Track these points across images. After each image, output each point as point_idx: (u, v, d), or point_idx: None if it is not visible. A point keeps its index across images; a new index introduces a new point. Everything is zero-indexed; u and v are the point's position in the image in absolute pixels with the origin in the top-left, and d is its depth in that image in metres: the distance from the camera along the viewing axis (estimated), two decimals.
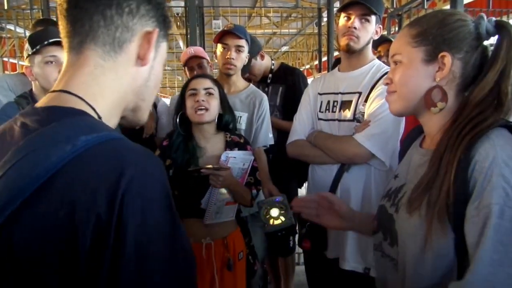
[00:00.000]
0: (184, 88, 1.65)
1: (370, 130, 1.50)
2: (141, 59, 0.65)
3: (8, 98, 1.86)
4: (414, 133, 1.04)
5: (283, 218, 1.53)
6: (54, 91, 0.61)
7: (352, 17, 1.56)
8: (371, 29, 1.59)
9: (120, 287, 0.48)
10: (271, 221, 1.53)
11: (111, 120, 0.65)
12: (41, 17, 2.94)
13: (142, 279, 0.49)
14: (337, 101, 1.64)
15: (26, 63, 1.54)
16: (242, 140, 1.69)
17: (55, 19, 3.08)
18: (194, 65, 2.25)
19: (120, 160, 0.52)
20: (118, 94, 0.65)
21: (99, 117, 0.61)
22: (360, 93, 1.58)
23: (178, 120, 1.63)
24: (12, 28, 4.28)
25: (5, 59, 4.49)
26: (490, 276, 0.69)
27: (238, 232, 1.67)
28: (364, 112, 1.56)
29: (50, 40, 1.49)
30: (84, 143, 0.51)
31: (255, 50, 2.33)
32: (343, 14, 1.60)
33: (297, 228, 1.69)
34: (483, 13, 0.89)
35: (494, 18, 0.87)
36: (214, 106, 1.59)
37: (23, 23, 3.69)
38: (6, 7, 3.16)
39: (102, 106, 0.62)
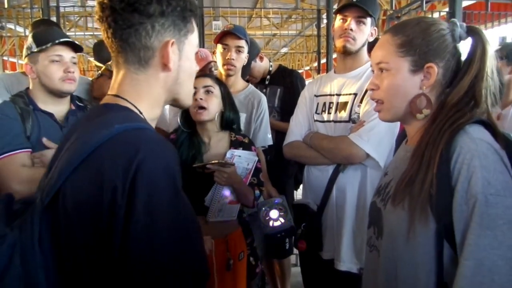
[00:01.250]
0: None
1: (364, 130, 1.51)
2: (165, 66, 0.79)
3: (4, 97, 1.86)
4: (402, 135, 1.09)
5: (282, 220, 1.54)
6: (109, 94, 0.80)
7: (349, 19, 1.58)
8: (367, 31, 1.61)
9: (130, 242, 0.62)
10: (270, 223, 1.54)
11: (152, 112, 0.82)
12: (41, 16, 2.94)
13: (148, 234, 0.63)
14: (333, 103, 1.66)
15: (25, 60, 1.54)
16: (246, 140, 1.69)
17: (54, 20, 3.09)
18: (206, 69, 2.30)
19: (138, 143, 0.67)
20: (153, 96, 0.81)
21: (140, 112, 0.79)
22: (355, 94, 1.60)
23: (182, 117, 1.64)
24: (12, 27, 4.28)
25: (5, 58, 4.49)
26: (484, 260, 0.73)
27: (239, 232, 1.66)
28: (359, 113, 1.57)
29: (61, 40, 1.51)
30: (116, 130, 0.68)
31: (254, 52, 2.34)
32: (339, 16, 1.61)
33: None
34: (473, 17, 0.95)
35: (464, 24, 0.92)
36: (213, 105, 1.59)
37: (23, 22, 3.69)
38: (6, 6, 3.16)
39: (142, 105, 0.80)
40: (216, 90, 1.61)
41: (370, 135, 1.50)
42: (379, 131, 1.50)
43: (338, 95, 1.65)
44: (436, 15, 4.09)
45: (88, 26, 6.69)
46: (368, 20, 1.59)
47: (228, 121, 1.66)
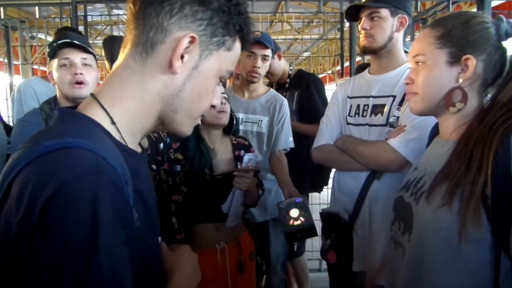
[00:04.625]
0: None
1: (406, 136, 1.40)
2: (170, 65, 0.61)
3: (36, 104, 1.94)
4: (435, 129, 1.05)
5: (302, 219, 1.52)
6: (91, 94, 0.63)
7: (363, 19, 1.53)
8: (387, 24, 1.49)
9: None
10: (290, 222, 1.52)
11: (136, 123, 0.63)
12: (69, 26, 3.04)
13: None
14: (368, 105, 1.56)
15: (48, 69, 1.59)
16: (246, 143, 1.72)
17: (81, 29, 3.19)
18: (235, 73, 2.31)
19: (55, 168, 0.49)
20: (141, 100, 0.62)
21: (113, 122, 0.60)
22: (394, 97, 1.49)
23: None
24: (43, 37, 4.45)
25: (36, 66, 4.66)
26: None
27: (246, 233, 1.68)
28: (398, 117, 1.47)
29: (59, 42, 1.49)
30: (42, 148, 0.51)
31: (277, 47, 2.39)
32: (358, 22, 1.57)
33: (321, 237, 1.63)
34: (503, 15, 0.90)
35: None
36: (229, 110, 1.62)
37: (53, 32, 3.83)
38: (37, 16, 3.29)
39: (120, 111, 0.61)
40: (227, 96, 1.65)
41: (411, 141, 1.39)
42: (421, 137, 1.37)
43: (374, 97, 1.55)
44: None
45: (114, 33, 6.86)
46: (384, 12, 1.48)
47: (236, 125, 1.70)
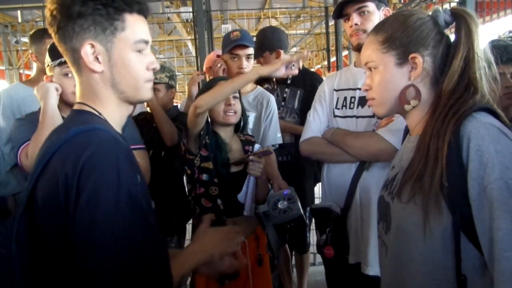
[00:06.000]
0: (208, 89, 1.65)
1: (396, 125, 1.41)
2: (92, 70, 0.82)
3: (17, 112, 1.93)
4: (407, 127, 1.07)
5: (291, 210, 1.53)
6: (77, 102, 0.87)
7: (351, 16, 1.52)
8: (375, 17, 1.52)
9: (75, 237, 0.69)
10: (279, 213, 1.54)
11: (112, 112, 0.86)
12: None
13: (88, 231, 0.68)
14: (354, 97, 1.58)
15: (48, 72, 1.56)
16: (253, 139, 1.80)
17: None
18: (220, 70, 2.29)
19: (88, 142, 0.73)
20: (103, 97, 0.85)
21: (100, 114, 0.84)
22: None
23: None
24: (27, 40, 4.39)
25: (21, 71, 4.60)
26: None
27: (259, 226, 1.71)
28: None
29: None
30: (72, 132, 0.75)
31: (277, 45, 2.33)
32: (344, 19, 1.56)
33: (315, 231, 1.65)
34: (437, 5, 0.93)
35: (449, 7, 0.91)
36: (239, 109, 1.69)
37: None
38: (20, 21, 3.25)
39: (98, 106, 0.85)
40: (238, 96, 1.72)
41: (400, 130, 1.37)
42: None
43: (361, 89, 1.53)
44: (446, 6, 4.02)
45: None
46: (371, 6, 1.51)
47: (245, 125, 1.79)
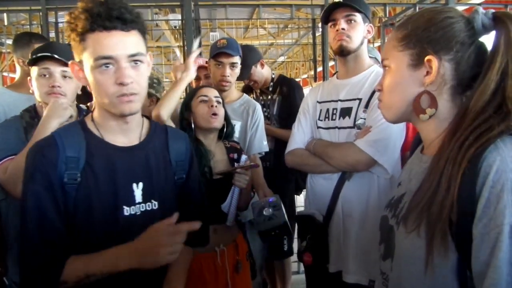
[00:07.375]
0: (192, 96, 1.70)
1: (372, 136, 1.46)
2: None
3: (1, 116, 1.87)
4: (418, 139, 0.97)
5: (275, 217, 1.56)
6: None
7: (338, 21, 1.55)
8: (361, 28, 1.56)
9: (190, 184, 1.14)
10: (264, 220, 1.56)
11: (99, 122, 1.00)
12: (40, 32, 2.98)
13: (198, 184, 1.18)
14: (336, 109, 1.62)
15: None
16: (239, 147, 1.78)
17: (53, 35, 3.13)
18: (201, 75, 2.32)
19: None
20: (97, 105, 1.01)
21: (95, 122, 1.02)
22: (360, 100, 1.56)
23: (181, 126, 1.69)
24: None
25: (5, 74, 4.53)
26: None
27: (241, 234, 1.75)
28: (364, 119, 1.52)
29: (39, 55, 1.47)
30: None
31: (255, 58, 2.42)
32: (330, 24, 1.59)
33: (297, 238, 1.68)
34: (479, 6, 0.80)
35: (491, 11, 0.77)
36: (222, 114, 1.68)
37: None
38: (6, 23, 3.21)
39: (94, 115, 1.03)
40: (221, 101, 1.71)
41: (377, 141, 1.45)
42: (386, 137, 1.45)
43: (342, 100, 1.61)
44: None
45: None
46: (359, 17, 1.55)
47: (231, 131, 1.77)
